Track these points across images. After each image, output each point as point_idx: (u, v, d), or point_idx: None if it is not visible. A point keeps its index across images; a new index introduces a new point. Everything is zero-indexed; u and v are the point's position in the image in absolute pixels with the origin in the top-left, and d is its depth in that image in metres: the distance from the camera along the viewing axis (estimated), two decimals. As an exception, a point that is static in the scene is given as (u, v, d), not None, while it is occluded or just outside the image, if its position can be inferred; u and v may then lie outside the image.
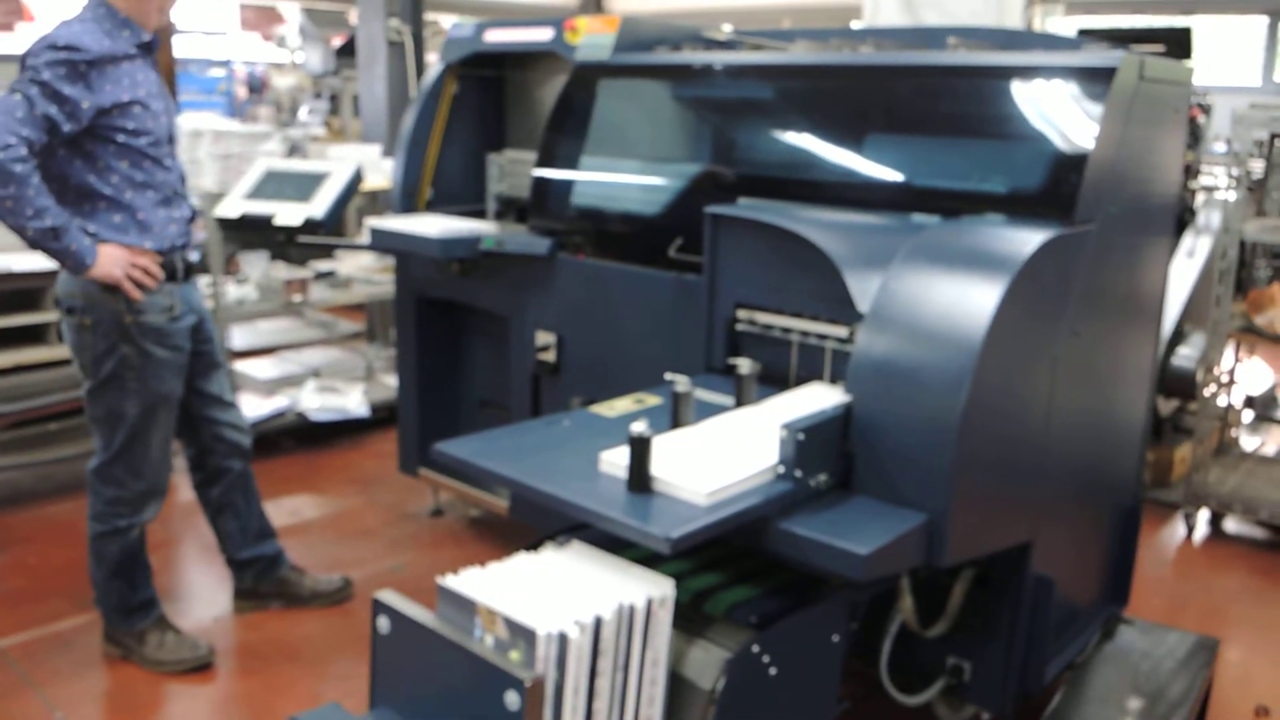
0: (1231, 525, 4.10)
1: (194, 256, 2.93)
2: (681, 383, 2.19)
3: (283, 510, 4.11)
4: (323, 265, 5.15)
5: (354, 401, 4.82)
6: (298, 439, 4.85)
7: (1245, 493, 3.96)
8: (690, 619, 1.99)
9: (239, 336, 5.42)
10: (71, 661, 3.00)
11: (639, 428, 1.86)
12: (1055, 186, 2.36)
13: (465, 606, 1.75)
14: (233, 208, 3.66)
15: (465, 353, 3.84)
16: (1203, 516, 4.09)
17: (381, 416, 4.95)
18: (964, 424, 1.96)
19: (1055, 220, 2.30)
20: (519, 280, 3.31)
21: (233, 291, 4.61)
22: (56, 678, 2.92)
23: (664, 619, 1.79)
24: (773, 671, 1.94)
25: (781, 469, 1.97)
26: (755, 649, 1.89)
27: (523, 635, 1.65)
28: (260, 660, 3.05)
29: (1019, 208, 2.40)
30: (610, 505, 1.83)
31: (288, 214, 3.56)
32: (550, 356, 3.26)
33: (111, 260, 2.66)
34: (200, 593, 3.46)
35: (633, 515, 1.80)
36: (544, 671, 1.64)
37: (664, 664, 1.81)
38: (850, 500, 2.04)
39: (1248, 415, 5.01)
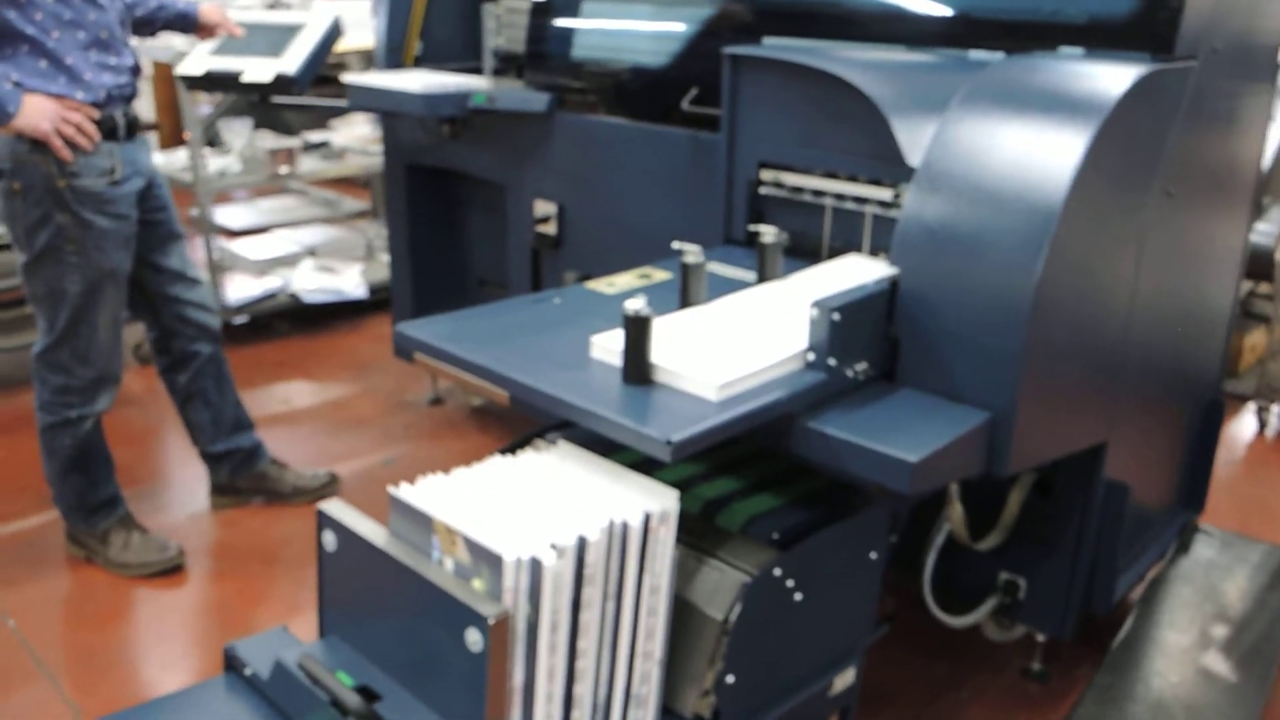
0: (1307, 419, 3.73)
1: (139, 113, 2.56)
2: (692, 253, 1.83)
3: (273, 398, 3.82)
4: (315, 136, 4.75)
5: (351, 282, 4.49)
6: (291, 322, 4.54)
7: (1326, 384, 3.57)
8: (700, 534, 1.67)
9: (234, 215, 5.06)
10: (30, 563, 2.75)
11: (635, 305, 1.51)
12: (1151, 12, 1.92)
13: (421, 523, 1.43)
14: (197, 64, 3.26)
15: (461, 226, 3.47)
16: (1276, 410, 3.72)
17: (381, 298, 4.60)
18: (1037, 302, 1.59)
19: (1149, 54, 1.88)
20: (515, 143, 2.92)
21: (213, 162, 4.24)
22: (12, 581, 2.67)
23: (665, 538, 1.46)
24: (798, 597, 1.62)
25: (812, 356, 1.62)
26: (777, 571, 1.57)
27: (486, 560, 1.34)
28: (235, 563, 2.79)
29: (1101, 39, 1.98)
30: (599, 400, 1.49)
31: (257, 70, 3.15)
32: (550, 229, 2.89)
33: (38, 112, 2.30)
34: (174, 488, 3.19)
35: (626, 413, 1.46)
36: (512, 605, 1.33)
37: (666, 592, 1.49)
38: (894, 395, 1.69)
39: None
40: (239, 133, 4.32)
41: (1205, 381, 2.48)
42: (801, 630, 1.67)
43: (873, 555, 1.77)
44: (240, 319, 4.42)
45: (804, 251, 2.21)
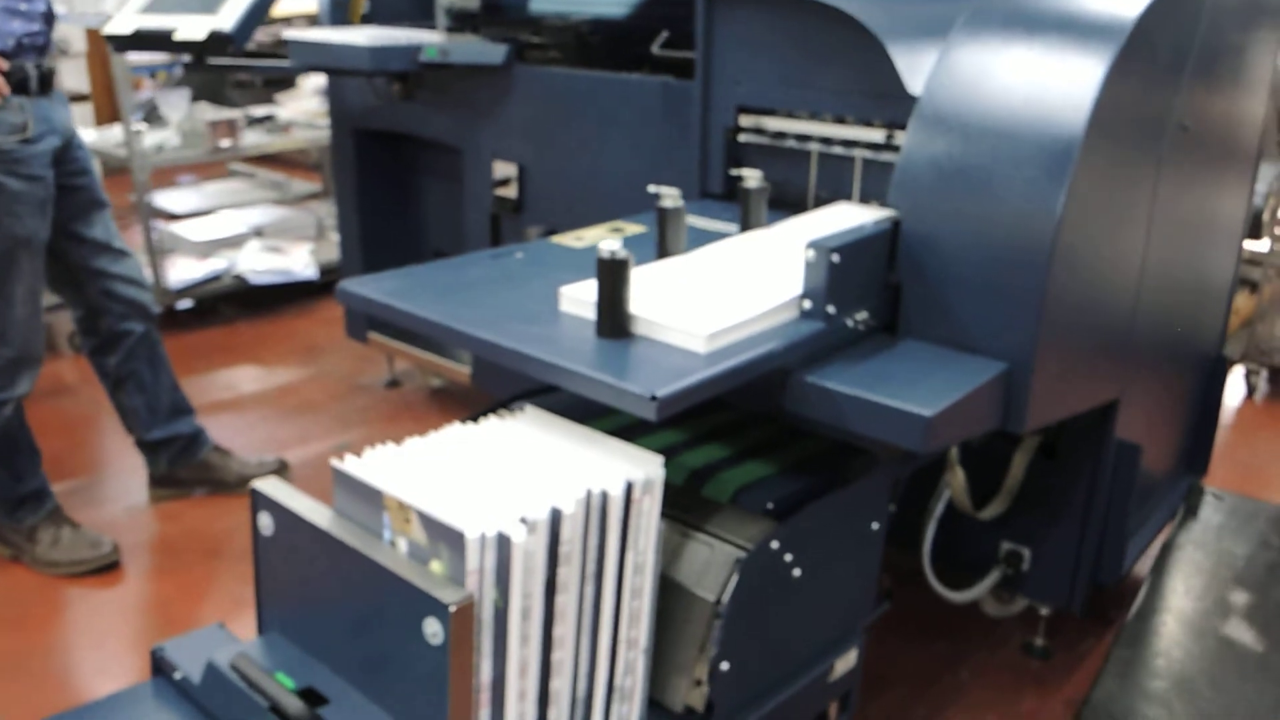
0: (1296, 382, 3.64)
1: (53, 65, 2.33)
2: (670, 196, 1.65)
3: (217, 384, 3.60)
4: (260, 110, 4.51)
5: (300, 262, 4.26)
6: (238, 306, 4.30)
7: (1314, 346, 3.47)
8: (686, 507, 1.50)
9: (177, 199, 4.81)
10: (-50, 563, 2.53)
11: (611, 246, 1.33)
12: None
13: (369, 499, 1.24)
14: (125, 22, 3.02)
15: (414, 195, 3.26)
16: (1264, 374, 3.62)
17: (333, 279, 4.36)
18: (1057, 242, 1.43)
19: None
20: (471, 101, 2.73)
21: (150, 137, 3.99)
22: (-70, 583, 2.45)
23: (650, 510, 1.29)
24: (797, 573, 1.46)
25: (808, 304, 1.45)
26: (775, 544, 1.40)
27: (445, 538, 1.15)
28: (176, 559, 2.58)
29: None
30: (571, 355, 1.31)
31: (190, 27, 2.93)
32: (511, 192, 2.70)
33: (-63, 64, 2.07)
34: (109, 481, 2.96)
35: (603, 368, 1.28)
36: (476, 590, 1.15)
37: (652, 571, 1.32)
38: (898, 346, 1.53)
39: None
40: (176, 105, 4.07)
41: (1209, 339, 2.35)
42: (800, 610, 1.50)
43: (874, 525, 1.60)
44: (184, 304, 4.19)
45: (788, 203, 2.04)
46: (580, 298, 1.44)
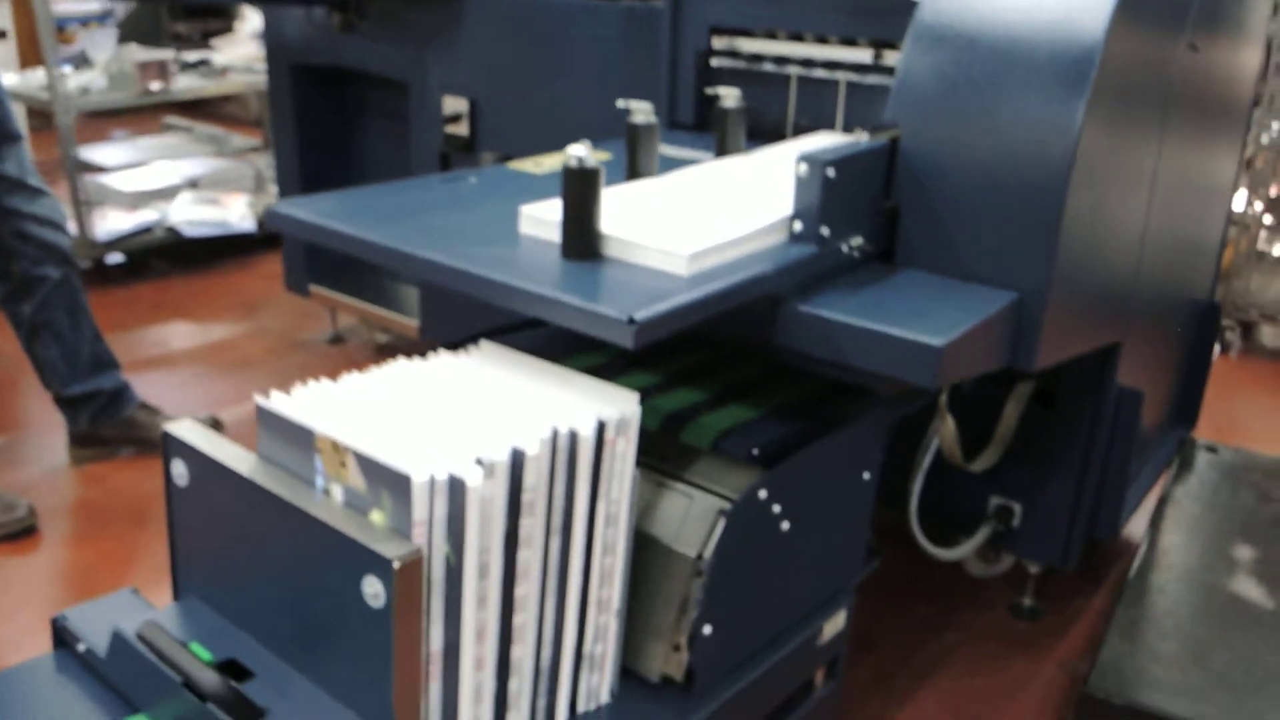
0: (1271, 338, 3.57)
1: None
2: (641, 110, 1.48)
3: (146, 341, 3.37)
4: (195, 55, 4.25)
5: (237, 214, 4.02)
6: (171, 260, 4.06)
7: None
8: (661, 454, 1.34)
9: (109, 154, 4.53)
10: None
11: (579, 151, 1.16)
12: None
13: (299, 440, 1.07)
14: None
15: (357, 137, 3.06)
16: (1239, 330, 3.54)
17: (274, 232, 4.15)
18: (1074, 161, 1.28)
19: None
20: (418, 31, 2.52)
21: (75, 79, 3.72)
22: None
23: (625, 453, 1.13)
24: (785, 526, 1.31)
25: (799, 226, 1.29)
26: (762, 494, 1.25)
27: (387, 483, 0.98)
28: (98, 523, 2.38)
29: None
30: (533, 277, 1.14)
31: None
32: (462, 129, 2.51)
33: None
34: (26, 440, 2.74)
35: (572, 290, 1.11)
36: (424, 543, 0.98)
37: (626, 524, 1.16)
38: (897, 275, 1.38)
39: (1268, 219, 4.43)
40: (102, 45, 3.80)
41: (1203, 286, 2.23)
42: (789, 567, 1.35)
43: (865, 475, 1.46)
44: (114, 258, 3.94)
45: (764, 133, 1.88)
46: (543, 217, 1.27)
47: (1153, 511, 1.91)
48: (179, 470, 1.17)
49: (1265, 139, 3.48)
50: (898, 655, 1.95)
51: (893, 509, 1.78)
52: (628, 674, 1.26)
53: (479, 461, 0.99)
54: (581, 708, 1.20)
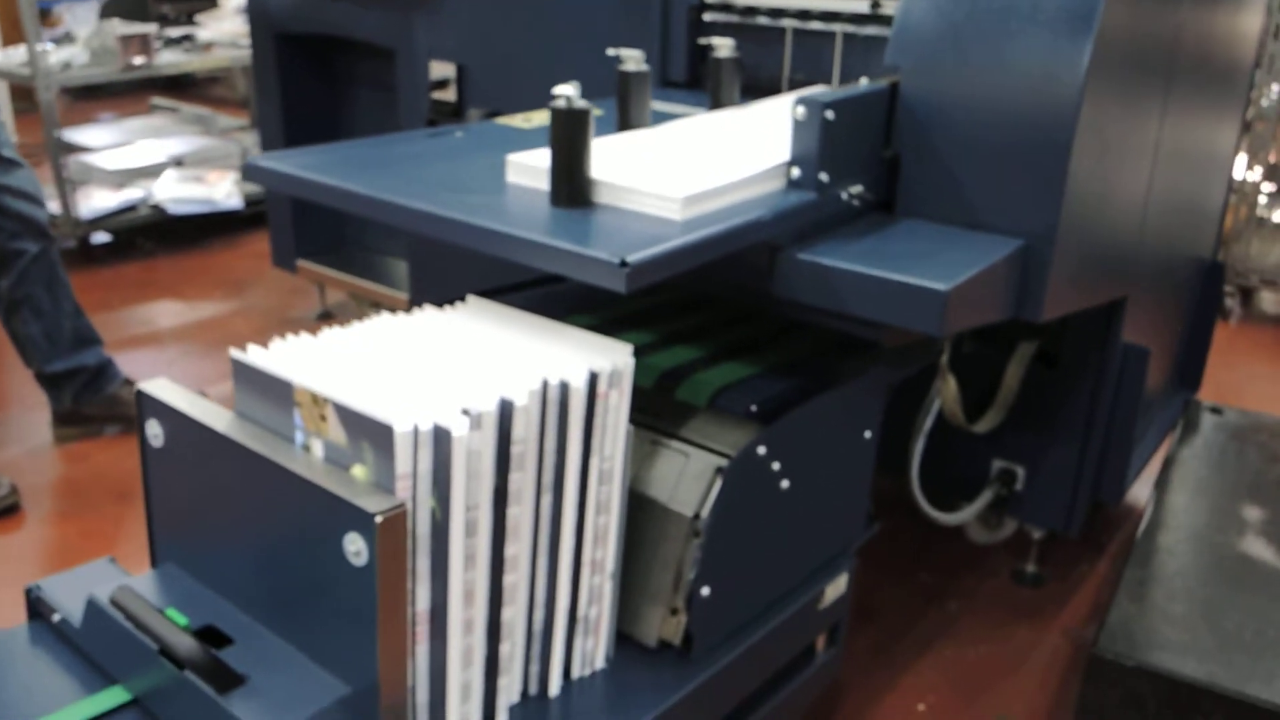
0: (1271, 304, 3.53)
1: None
2: (632, 58, 1.43)
3: (132, 320, 3.31)
4: (178, 30, 4.18)
5: (223, 192, 3.96)
6: (158, 239, 3.99)
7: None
8: (657, 412, 1.30)
9: (93, 135, 4.46)
10: None
11: (568, 91, 1.11)
12: None
13: (278, 393, 1.02)
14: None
15: (343, 106, 2.99)
16: (1239, 297, 3.51)
17: (260, 211, 4.08)
18: (1082, 102, 1.23)
19: None
20: (404, -6, 2.46)
21: (56, 54, 3.65)
22: None
23: (619, 406, 1.08)
24: (785, 484, 1.26)
25: (797, 172, 1.24)
26: (761, 450, 1.20)
27: (369, 435, 0.93)
28: (82, 502, 2.33)
29: None
30: (522, 223, 1.09)
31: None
32: (450, 95, 2.45)
33: None
34: (10, 418, 2.69)
35: (562, 235, 1.06)
36: (408, 497, 0.93)
37: (620, 480, 1.11)
38: (898, 224, 1.33)
39: (1268, 186, 4.40)
40: (83, 18, 3.73)
41: (1206, 245, 2.19)
42: (789, 527, 1.31)
43: (866, 434, 1.42)
44: (99, 237, 3.88)
45: (759, 89, 1.83)
46: (531, 164, 1.22)
47: (1159, 473, 1.87)
48: (154, 430, 1.13)
49: (1265, 102, 3.43)
50: (899, 624, 1.91)
51: (893, 474, 1.74)
52: (624, 639, 1.22)
53: (465, 412, 0.94)
54: (576, 673, 1.16)
